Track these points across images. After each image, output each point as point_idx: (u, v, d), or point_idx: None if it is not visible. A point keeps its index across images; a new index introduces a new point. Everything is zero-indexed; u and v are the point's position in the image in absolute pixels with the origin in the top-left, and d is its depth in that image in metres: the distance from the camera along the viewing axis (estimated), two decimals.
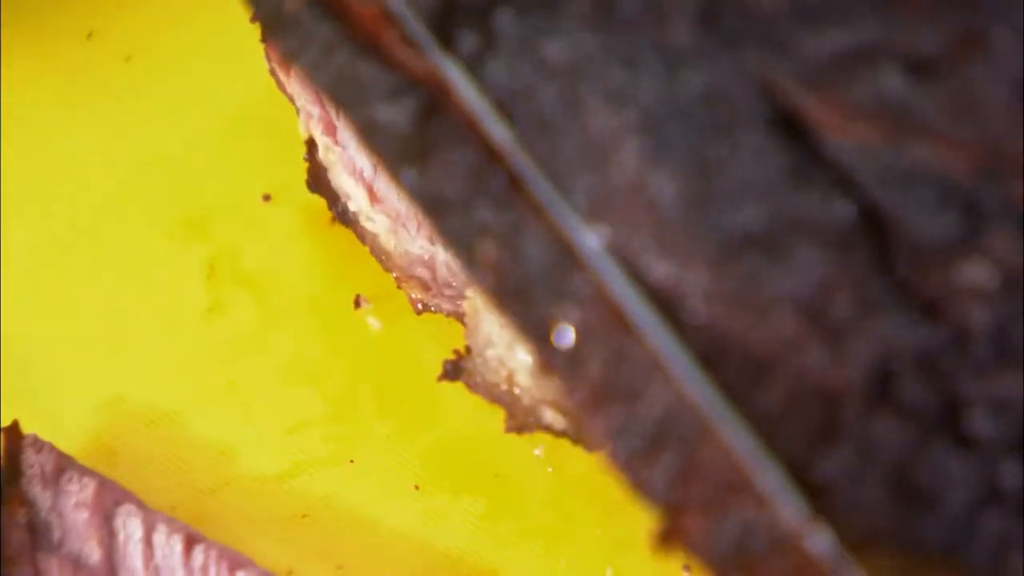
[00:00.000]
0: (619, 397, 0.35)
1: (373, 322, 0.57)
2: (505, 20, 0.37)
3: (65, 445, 0.53)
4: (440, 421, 0.55)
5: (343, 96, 0.37)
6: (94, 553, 0.50)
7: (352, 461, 0.56)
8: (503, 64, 0.37)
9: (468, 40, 0.38)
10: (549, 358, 0.36)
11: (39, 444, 0.52)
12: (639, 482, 0.35)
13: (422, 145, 0.37)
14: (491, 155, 0.36)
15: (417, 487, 0.55)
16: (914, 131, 0.36)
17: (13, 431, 0.52)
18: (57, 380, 0.57)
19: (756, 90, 0.36)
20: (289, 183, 0.58)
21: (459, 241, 0.36)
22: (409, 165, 0.37)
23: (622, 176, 0.36)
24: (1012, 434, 0.35)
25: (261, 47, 0.52)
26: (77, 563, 0.50)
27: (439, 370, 0.51)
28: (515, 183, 0.36)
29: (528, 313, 0.36)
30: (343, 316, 0.58)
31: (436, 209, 0.37)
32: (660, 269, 0.36)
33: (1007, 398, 0.35)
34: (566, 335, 0.36)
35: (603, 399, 0.35)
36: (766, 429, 0.35)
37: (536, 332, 0.36)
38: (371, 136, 0.37)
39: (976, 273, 0.35)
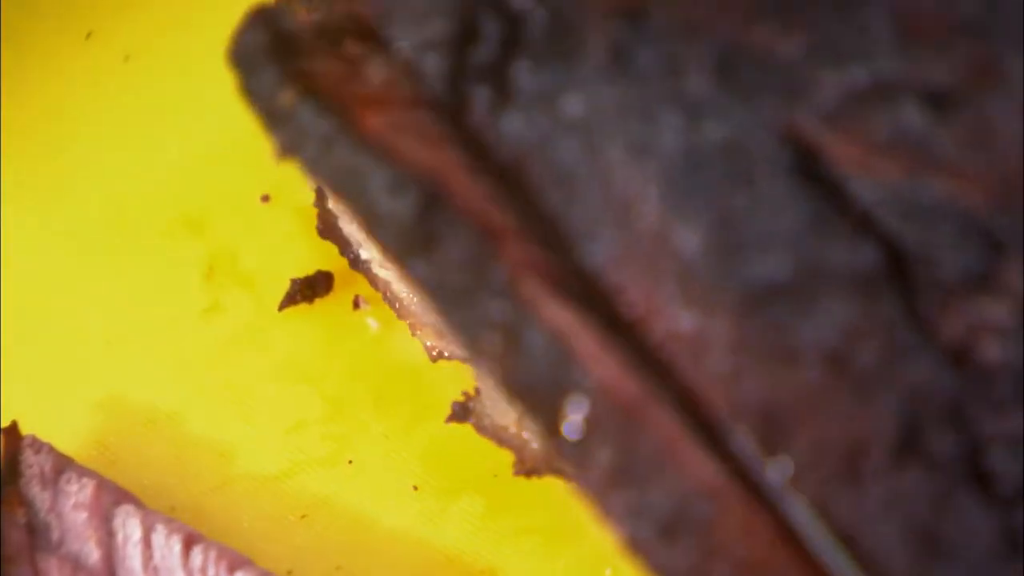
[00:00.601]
0: (631, 482, 0.35)
1: (372, 323, 0.57)
2: (522, 73, 0.37)
3: (63, 445, 0.53)
4: (439, 421, 0.55)
5: (344, 190, 0.37)
6: (93, 553, 0.50)
7: (351, 461, 0.56)
8: (520, 117, 0.37)
9: (483, 96, 0.37)
10: (559, 447, 0.36)
11: (38, 445, 0.52)
12: (660, 567, 0.35)
13: (425, 236, 0.36)
14: (494, 245, 0.36)
15: (416, 487, 0.55)
16: (933, 165, 0.36)
17: (12, 432, 0.52)
18: (55, 380, 0.57)
19: (776, 138, 0.36)
20: (288, 184, 0.57)
21: (465, 332, 0.36)
22: (413, 256, 0.37)
23: (644, 228, 0.36)
24: None
25: None
26: (76, 563, 0.50)
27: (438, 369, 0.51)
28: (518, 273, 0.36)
29: (536, 407, 0.36)
30: (342, 316, 0.57)
31: (442, 299, 0.36)
32: (685, 320, 0.36)
33: None
34: (575, 426, 0.36)
35: (614, 484, 0.35)
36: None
37: (545, 423, 0.36)
38: (375, 228, 0.36)
39: (996, 308, 0.35)
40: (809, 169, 0.36)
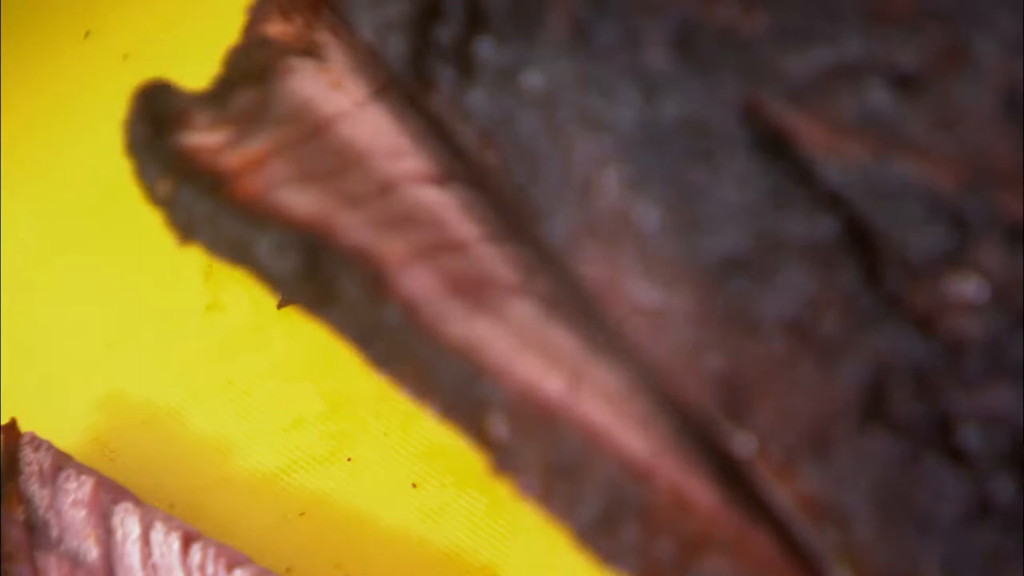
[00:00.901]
0: (562, 477, 0.35)
1: None
2: (485, 49, 0.37)
3: (63, 442, 0.54)
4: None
5: (240, 262, 0.37)
6: (92, 551, 0.51)
7: (350, 459, 0.56)
8: (484, 94, 0.37)
9: (447, 75, 0.38)
10: (494, 461, 0.36)
11: (37, 442, 0.52)
12: (606, 554, 0.35)
13: (323, 285, 0.37)
14: (381, 283, 0.36)
15: (415, 485, 0.55)
16: (901, 145, 0.36)
17: (11, 429, 0.52)
18: (55, 377, 0.57)
19: (736, 114, 0.36)
20: None
21: (382, 367, 0.37)
22: (323, 307, 0.37)
23: (604, 203, 0.36)
24: (1004, 448, 0.35)
25: None
26: (75, 561, 0.50)
27: None
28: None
29: (462, 425, 0.36)
30: None
31: (359, 338, 0.37)
32: (646, 295, 0.36)
33: (998, 411, 0.35)
34: (501, 435, 0.36)
35: (548, 483, 0.35)
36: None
37: (476, 438, 0.36)
38: (280, 290, 0.37)
39: (966, 287, 0.35)
40: (770, 146, 0.36)
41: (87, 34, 0.61)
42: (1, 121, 0.59)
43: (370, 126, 0.40)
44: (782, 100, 0.36)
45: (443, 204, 0.39)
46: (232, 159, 0.38)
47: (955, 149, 0.36)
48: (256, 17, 0.43)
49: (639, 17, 0.37)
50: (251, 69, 0.41)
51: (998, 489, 0.35)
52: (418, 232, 0.38)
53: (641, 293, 0.36)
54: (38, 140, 0.59)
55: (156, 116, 0.39)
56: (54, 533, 0.51)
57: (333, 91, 0.41)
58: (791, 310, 0.35)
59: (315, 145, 0.39)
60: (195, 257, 0.58)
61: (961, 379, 0.35)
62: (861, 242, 0.35)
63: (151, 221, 0.58)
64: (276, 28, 0.42)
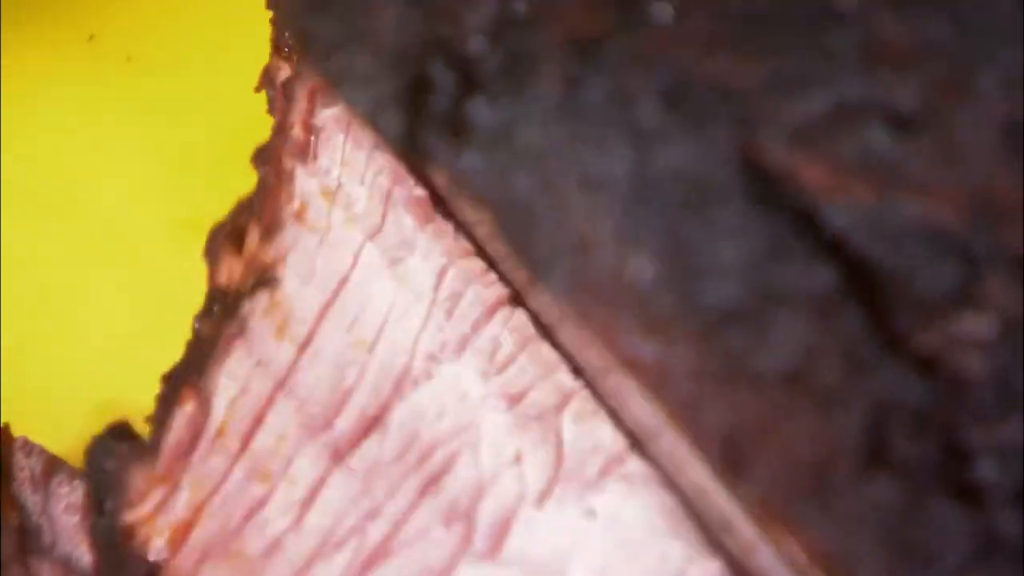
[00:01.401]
0: None
1: None
2: (478, 109, 0.37)
3: (59, 447, 0.53)
4: None
5: None
6: (85, 556, 0.51)
7: None
8: (478, 155, 0.37)
9: (442, 141, 0.38)
10: None
11: (29, 447, 0.52)
12: None
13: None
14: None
15: None
16: (903, 184, 0.36)
17: (4, 434, 0.52)
18: (53, 382, 0.57)
19: (732, 164, 0.36)
20: None
21: None
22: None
23: (601, 260, 0.36)
24: (1014, 483, 0.35)
25: (262, 50, 0.52)
26: (68, 566, 0.51)
27: None
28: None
29: None
30: None
31: None
32: (645, 350, 0.36)
33: (1011, 445, 0.35)
34: None
35: None
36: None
37: None
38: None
39: (976, 323, 0.35)
40: (767, 195, 0.36)
41: (91, 38, 0.61)
42: (2, 122, 0.58)
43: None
44: (781, 145, 0.36)
45: None
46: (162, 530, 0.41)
47: (957, 184, 0.36)
48: (212, 261, 0.45)
49: (630, 72, 0.37)
50: (195, 358, 0.43)
51: (1007, 524, 0.35)
52: None
53: (639, 348, 0.36)
54: (40, 141, 0.59)
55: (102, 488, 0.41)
56: (47, 539, 0.51)
57: (276, 342, 0.42)
58: (789, 361, 0.35)
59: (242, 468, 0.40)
60: (195, 260, 0.58)
61: (973, 414, 0.35)
62: (864, 286, 0.35)
63: (152, 224, 0.59)
64: (228, 269, 0.43)
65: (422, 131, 0.38)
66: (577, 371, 0.41)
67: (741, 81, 0.36)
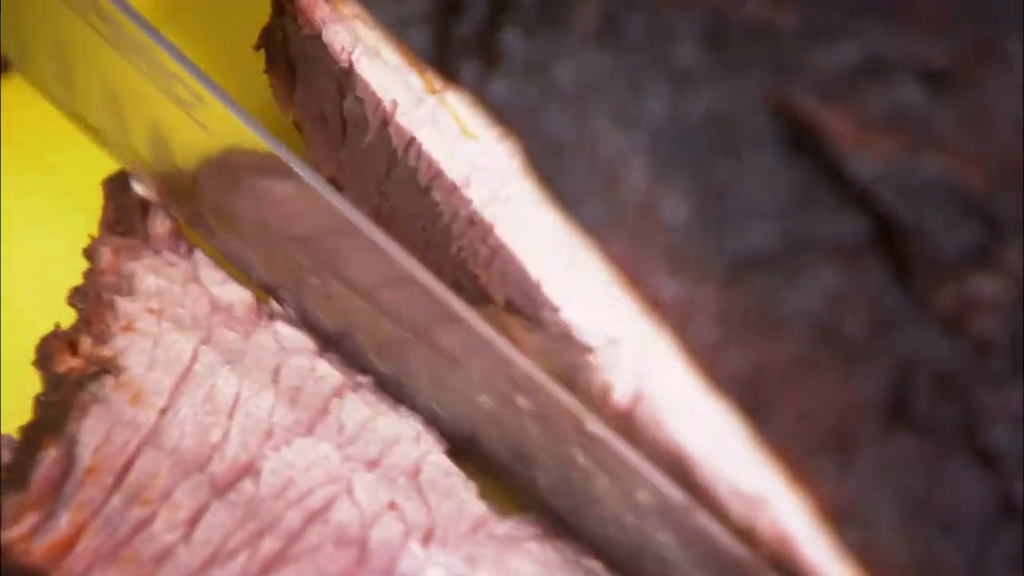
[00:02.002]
0: None
1: None
2: (511, 41, 0.37)
3: None
4: None
5: None
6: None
7: None
8: (508, 85, 0.37)
9: (471, 67, 0.38)
10: None
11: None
12: None
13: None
14: None
15: None
16: (931, 143, 0.36)
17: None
18: None
19: (765, 110, 0.36)
20: None
21: None
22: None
23: (631, 197, 0.36)
24: None
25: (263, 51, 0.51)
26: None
27: None
28: None
29: None
30: None
31: None
32: (670, 290, 0.36)
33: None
34: None
35: None
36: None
37: None
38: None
39: (993, 286, 0.35)
40: (799, 142, 0.36)
41: None
42: (2, 121, 0.58)
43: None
44: (811, 95, 0.36)
45: None
46: (42, 547, 0.40)
47: (985, 148, 0.36)
48: (44, 358, 0.45)
49: (670, 11, 0.36)
50: (49, 418, 0.43)
51: (1021, 493, 0.35)
52: None
53: (665, 287, 0.36)
54: (40, 142, 0.58)
55: None
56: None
57: (133, 408, 0.42)
58: (816, 310, 0.35)
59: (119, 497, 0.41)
60: None
61: (989, 379, 0.35)
62: (889, 240, 0.35)
63: None
64: (65, 364, 0.44)
65: (450, 52, 0.38)
66: None
67: (778, 25, 0.36)
